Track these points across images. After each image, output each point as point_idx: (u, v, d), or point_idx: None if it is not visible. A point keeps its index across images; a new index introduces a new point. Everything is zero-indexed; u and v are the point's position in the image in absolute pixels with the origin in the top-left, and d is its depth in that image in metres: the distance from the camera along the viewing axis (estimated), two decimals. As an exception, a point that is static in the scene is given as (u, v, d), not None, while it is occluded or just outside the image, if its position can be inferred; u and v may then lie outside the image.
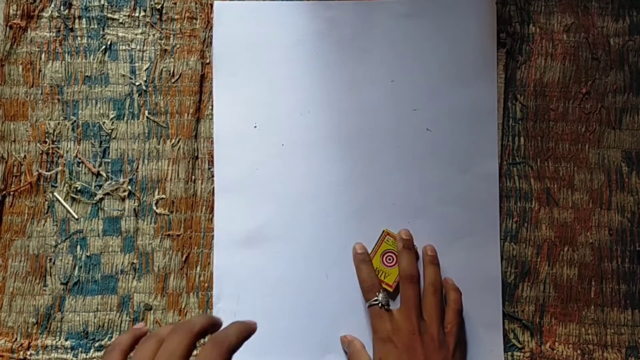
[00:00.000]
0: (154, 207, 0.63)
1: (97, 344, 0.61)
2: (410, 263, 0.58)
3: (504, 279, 0.62)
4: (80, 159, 0.63)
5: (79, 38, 0.64)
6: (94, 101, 0.63)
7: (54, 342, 0.61)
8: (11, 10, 0.63)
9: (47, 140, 0.63)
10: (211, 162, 0.63)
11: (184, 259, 0.62)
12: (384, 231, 0.60)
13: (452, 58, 0.63)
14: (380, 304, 0.57)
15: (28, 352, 0.61)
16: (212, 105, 0.63)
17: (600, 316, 0.62)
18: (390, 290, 0.59)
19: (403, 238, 0.60)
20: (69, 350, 0.61)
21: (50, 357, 0.61)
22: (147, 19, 0.64)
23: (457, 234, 0.62)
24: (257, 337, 0.42)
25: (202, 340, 0.54)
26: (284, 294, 0.61)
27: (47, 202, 0.63)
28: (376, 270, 0.59)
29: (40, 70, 0.63)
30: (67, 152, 0.63)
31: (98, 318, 0.62)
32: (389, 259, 0.59)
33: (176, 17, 0.64)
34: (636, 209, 0.63)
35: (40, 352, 0.61)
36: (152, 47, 0.64)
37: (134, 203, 0.63)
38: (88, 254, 0.62)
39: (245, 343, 0.41)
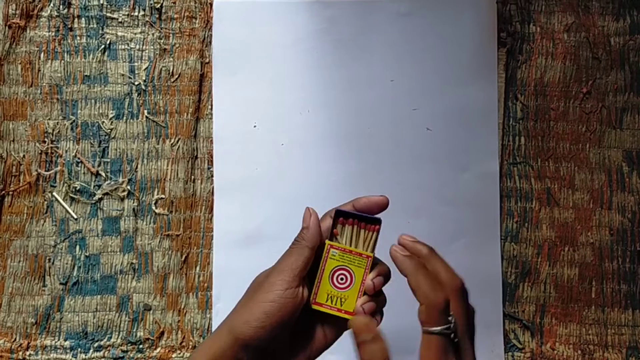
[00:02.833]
0: (153, 207, 0.63)
1: (96, 344, 0.61)
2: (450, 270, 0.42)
3: (505, 279, 0.62)
4: (79, 158, 0.63)
5: (78, 37, 0.64)
6: (93, 101, 0.63)
7: (53, 342, 0.61)
8: (10, 10, 0.63)
9: (46, 139, 0.63)
10: (210, 162, 0.63)
11: (183, 258, 0.62)
12: (326, 244, 0.44)
13: (452, 57, 0.63)
14: (452, 333, 0.39)
15: (27, 352, 0.61)
16: (211, 105, 0.63)
17: (601, 316, 0.62)
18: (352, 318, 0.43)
19: (422, 248, 0.43)
20: (68, 351, 0.61)
21: (49, 357, 0.61)
22: (147, 18, 0.64)
23: (457, 234, 0.62)
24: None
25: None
26: (284, 294, 0.61)
27: (46, 202, 0.62)
28: (327, 299, 0.43)
29: (39, 70, 0.63)
30: (66, 151, 0.63)
31: (97, 318, 0.62)
32: (342, 279, 0.44)
33: (175, 16, 0.64)
34: (637, 208, 0.62)
35: (40, 352, 0.61)
36: (152, 47, 0.64)
37: (133, 203, 0.63)
38: (87, 254, 0.62)
39: None
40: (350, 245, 0.44)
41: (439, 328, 0.39)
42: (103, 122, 0.63)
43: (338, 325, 0.45)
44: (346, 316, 0.43)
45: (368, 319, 0.42)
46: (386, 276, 0.44)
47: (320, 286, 0.44)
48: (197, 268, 0.62)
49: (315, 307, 0.44)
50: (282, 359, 0.43)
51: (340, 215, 0.44)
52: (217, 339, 0.42)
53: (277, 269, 0.43)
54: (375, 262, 0.44)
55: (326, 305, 0.44)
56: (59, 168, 0.63)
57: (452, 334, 0.39)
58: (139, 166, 0.63)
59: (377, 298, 0.43)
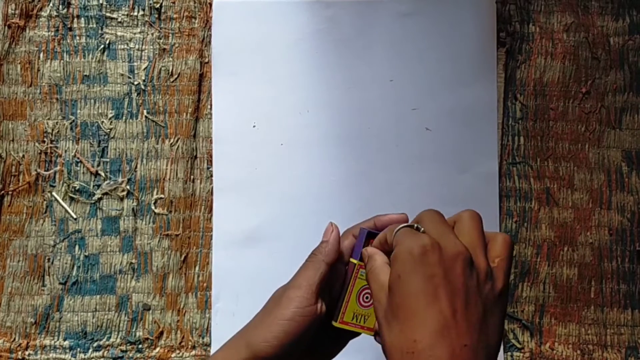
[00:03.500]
0: (153, 207, 0.63)
1: (95, 344, 0.61)
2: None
3: (504, 279, 0.62)
4: (78, 158, 0.63)
5: (78, 37, 0.64)
6: (92, 101, 0.63)
7: (53, 342, 0.61)
8: (10, 10, 0.63)
9: (45, 139, 0.63)
10: (210, 162, 0.63)
11: (182, 258, 0.62)
12: (354, 265, 0.44)
13: (452, 57, 0.63)
14: (416, 227, 0.38)
15: (26, 352, 0.61)
16: (211, 105, 0.63)
17: (600, 316, 0.62)
18: (372, 334, 0.44)
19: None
20: (68, 350, 0.61)
21: (48, 357, 0.61)
22: (146, 18, 0.64)
23: (456, 234, 0.62)
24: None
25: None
26: (283, 294, 0.61)
27: (45, 202, 0.62)
28: (353, 318, 0.44)
29: (38, 70, 0.63)
30: (65, 151, 0.63)
31: (96, 318, 0.62)
32: (367, 297, 0.44)
33: (175, 16, 0.64)
34: (636, 208, 0.63)
35: (39, 352, 0.61)
36: (151, 47, 0.64)
37: (133, 203, 0.63)
38: (86, 253, 0.62)
39: None
40: None
41: (398, 228, 0.38)
42: (102, 122, 0.63)
43: (345, 337, 0.45)
44: (368, 332, 0.43)
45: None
46: None
47: (348, 306, 0.44)
48: (197, 268, 0.62)
49: (340, 325, 0.43)
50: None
51: (370, 237, 0.44)
52: (234, 354, 0.41)
53: (295, 285, 0.42)
54: None
55: (351, 324, 0.43)
56: (58, 168, 0.63)
57: (415, 226, 0.38)
58: (139, 166, 0.63)
59: None
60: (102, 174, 0.63)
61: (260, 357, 0.40)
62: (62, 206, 0.63)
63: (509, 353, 0.61)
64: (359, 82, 0.63)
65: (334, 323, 0.43)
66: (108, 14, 0.64)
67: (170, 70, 0.63)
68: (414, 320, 0.34)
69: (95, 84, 0.63)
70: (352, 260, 0.44)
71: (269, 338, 0.40)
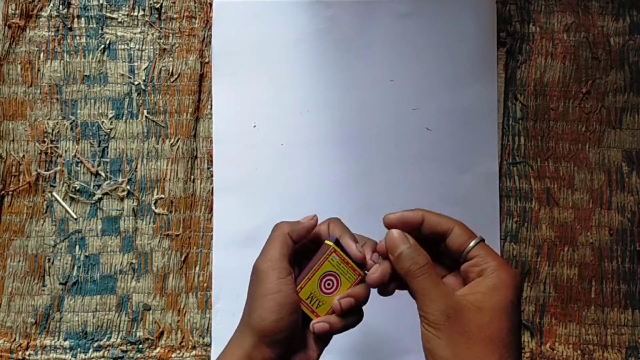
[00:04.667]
0: (153, 207, 0.63)
1: (95, 344, 0.61)
2: None
3: (504, 279, 0.62)
4: (79, 158, 0.63)
5: (78, 37, 0.64)
6: (92, 101, 0.63)
7: (53, 342, 0.61)
8: (10, 10, 0.63)
9: (45, 139, 0.63)
10: (210, 162, 0.63)
11: (183, 258, 0.62)
12: (329, 246, 0.44)
13: (452, 57, 0.63)
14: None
15: (27, 352, 0.61)
16: (211, 105, 0.63)
17: (601, 316, 0.62)
18: (313, 319, 0.44)
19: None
20: (68, 351, 0.61)
21: (49, 357, 0.61)
22: (146, 18, 0.64)
23: (456, 234, 0.62)
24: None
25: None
26: (283, 294, 0.61)
27: (45, 202, 0.62)
28: (309, 297, 0.44)
29: (39, 70, 0.63)
30: (65, 151, 0.63)
31: (97, 318, 0.62)
32: (329, 285, 0.44)
33: (175, 16, 0.64)
34: (636, 208, 0.62)
35: (39, 352, 0.61)
36: (151, 47, 0.64)
37: (133, 203, 0.63)
38: (87, 253, 0.62)
39: None
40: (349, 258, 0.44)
41: (479, 236, 0.40)
42: (103, 122, 0.63)
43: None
44: (313, 318, 0.44)
45: (402, 232, 0.41)
46: (358, 299, 0.43)
47: (308, 283, 0.44)
48: (197, 268, 0.62)
49: None
50: (299, 348, 0.44)
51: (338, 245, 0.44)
52: (240, 343, 0.42)
53: (268, 258, 0.43)
54: (359, 282, 0.44)
55: (304, 303, 0.44)
56: (58, 168, 0.63)
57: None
58: (139, 166, 0.63)
59: (345, 318, 0.44)
60: (103, 174, 0.63)
61: (265, 336, 0.41)
62: (63, 206, 0.63)
63: (509, 353, 0.61)
64: (359, 82, 0.63)
65: None
66: (108, 14, 0.64)
67: (170, 70, 0.63)
68: (498, 351, 0.36)
69: (96, 84, 0.63)
70: (327, 242, 0.44)
71: (265, 315, 0.41)
